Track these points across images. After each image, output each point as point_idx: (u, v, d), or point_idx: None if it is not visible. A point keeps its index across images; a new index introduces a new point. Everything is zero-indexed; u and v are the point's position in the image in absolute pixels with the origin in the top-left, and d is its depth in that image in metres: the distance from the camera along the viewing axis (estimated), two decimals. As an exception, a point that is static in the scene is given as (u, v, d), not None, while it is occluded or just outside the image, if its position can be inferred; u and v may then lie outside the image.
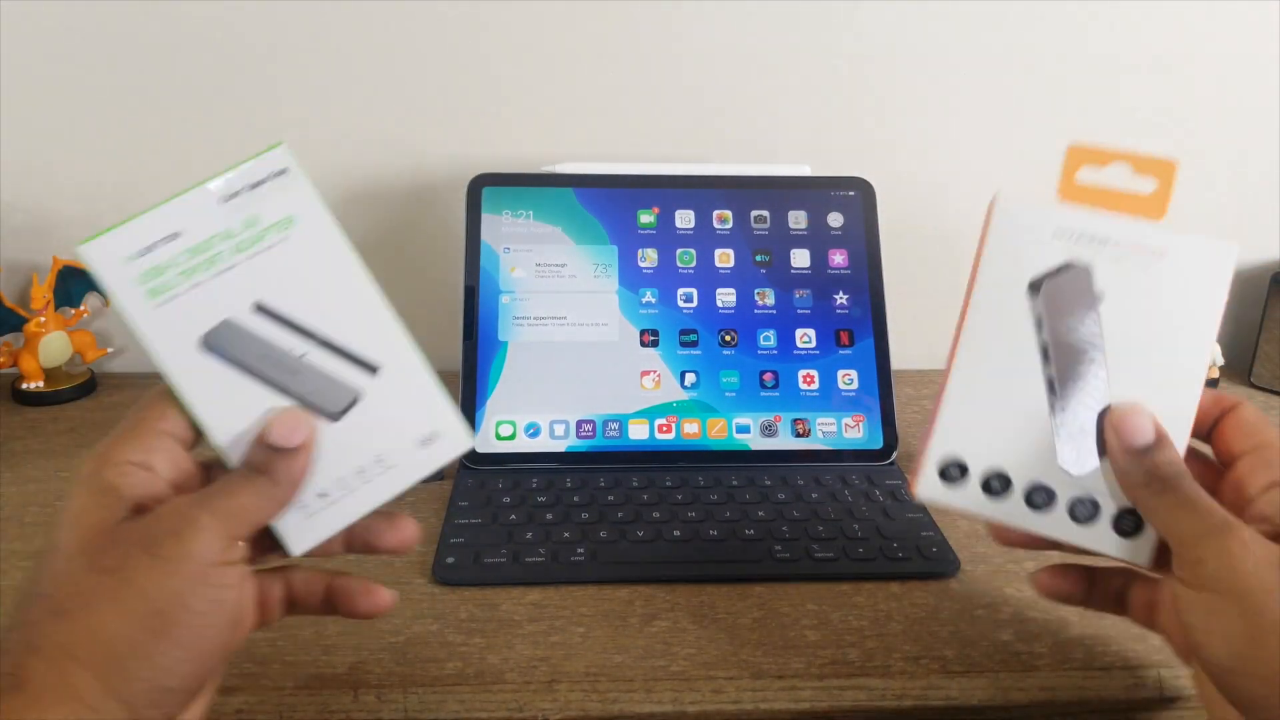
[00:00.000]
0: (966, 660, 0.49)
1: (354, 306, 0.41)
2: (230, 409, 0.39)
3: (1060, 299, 0.43)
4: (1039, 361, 0.43)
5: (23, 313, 0.81)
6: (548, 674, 0.48)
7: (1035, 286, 0.43)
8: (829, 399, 0.69)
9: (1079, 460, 0.43)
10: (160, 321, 0.39)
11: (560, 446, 0.67)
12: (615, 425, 0.68)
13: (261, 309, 0.40)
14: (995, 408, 0.43)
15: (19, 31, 0.79)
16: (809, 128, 0.85)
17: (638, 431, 0.68)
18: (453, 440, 0.41)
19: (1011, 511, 0.43)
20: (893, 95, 0.85)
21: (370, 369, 0.41)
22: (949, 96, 0.85)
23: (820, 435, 0.68)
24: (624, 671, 0.48)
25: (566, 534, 0.58)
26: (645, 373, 0.69)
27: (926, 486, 0.44)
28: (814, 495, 0.63)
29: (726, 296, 0.71)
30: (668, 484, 0.64)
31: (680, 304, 0.71)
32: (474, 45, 0.81)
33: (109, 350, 0.88)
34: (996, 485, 0.43)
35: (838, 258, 0.72)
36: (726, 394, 0.69)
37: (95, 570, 0.34)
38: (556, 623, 0.52)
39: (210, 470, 0.40)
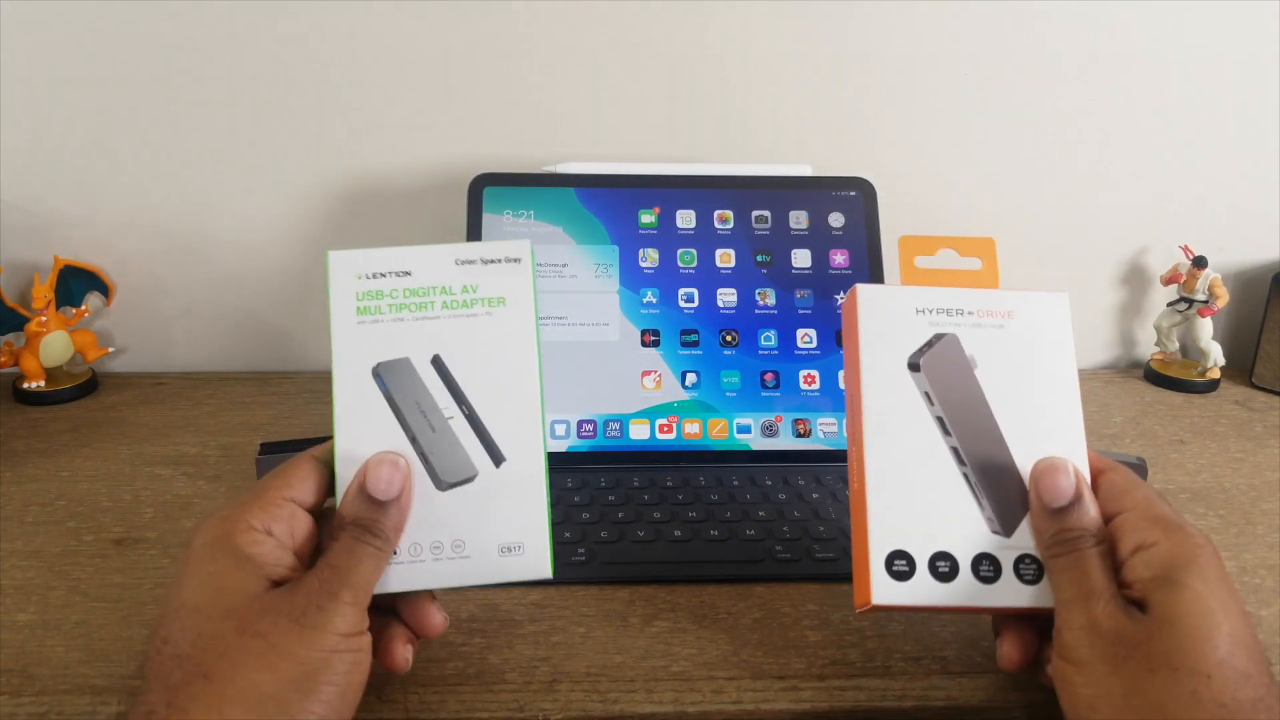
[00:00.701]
0: (967, 661, 0.49)
1: (515, 399, 0.43)
2: (365, 434, 0.42)
3: (940, 370, 0.45)
4: (939, 435, 0.44)
5: (24, 312, 0.81)
6: (549, 674, 0.48)
7: (915, 364, 0.45)
8: (830, 399, 0.69)
9: (1006, 521, 0.44)
10: (354, 336, 0.42)
11: (561, 446, 0.67)
12: (616, 425, 0.68)
13: (437, 363, 0.43)
14: (917, 490, 0.44)
15: (20, 31, 0.79)
16: (810, 128, 0.85)
17: (638, 431, 0.68)
18: (532, 562, 0.43)
19: (966, 593, 0.43)
20: (894, 95, 0.85)
21: (497, 459, 0.43)
22: (950, 96, 0.85)
23: (821, 435, 0.69)
24: (625, 671, 0.48)
25: (567, 534, 0.58)
26: (646, 373, 0.69)
27: (881, 590, 0.43)
28: (815, 495, 0.63)
29: (727, 296, 0.71)
30: (669, 484, 0.64)
31: (681, 304, 0.71)
32: (475, 45, 0.81)
33: (110, 350, 0.88)
34: (944, 568, 0.43)
35: (839, 258, 0.72)
36: (727, 394, 0.69)
37: (246, 634, 0.36)
38: (557, 623, 0.52)
39: (322, 522, 0.42)
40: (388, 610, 0.44)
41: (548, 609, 0.53)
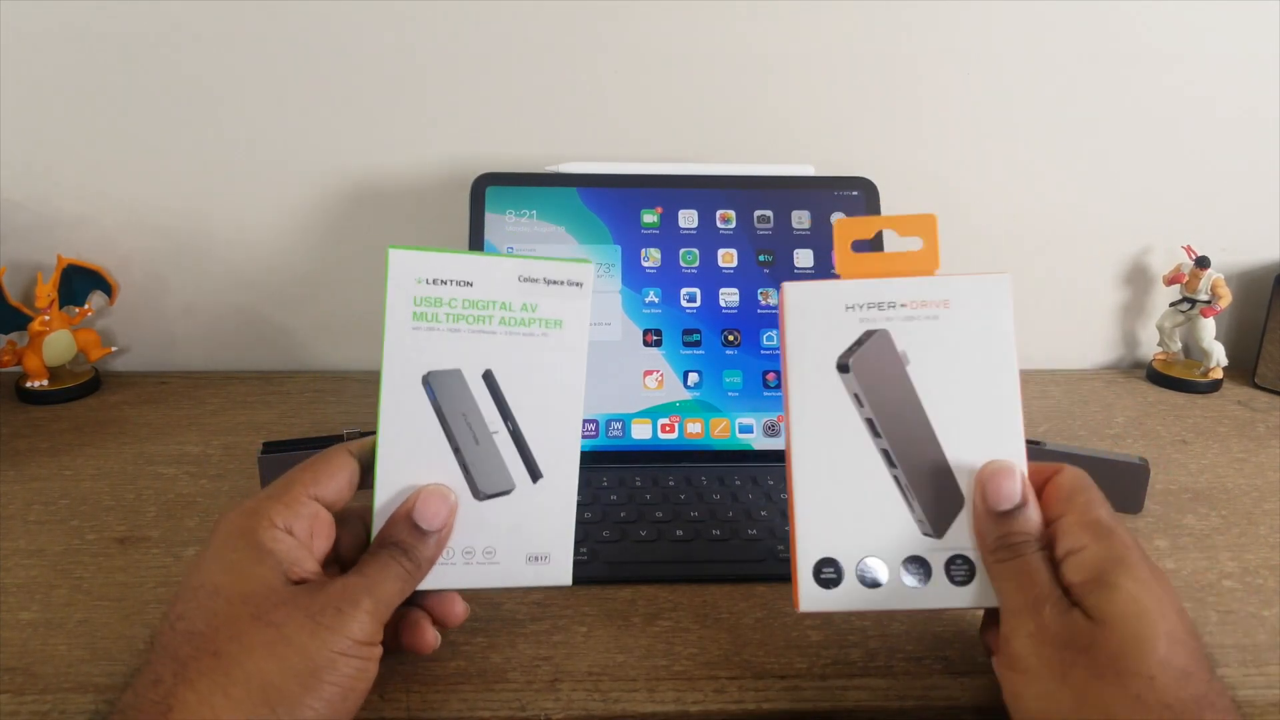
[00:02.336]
0: (969, 660, 0.49)
1: (558, 421, 0.44)
2: (409, 442, 0.43)
3: (870, 370, 0.43)
4: (869, 437, 0.44)
5: (27, 311, 0.81)
6: (550, 673, 0.48)
7: (844, 366, 0.43)
8: (832, 399, 0.69)
9: (938, 522, 0.43)
10: (408, 341, 0.42)
11: (563, 446, 0.67)
12: (618, 425, 0.68)
13: (489, 378, 0.43)
14: (845, 495, 0.43)
15: (22, 31, 0.79)
16: (812, 127, 0.85)
17: (640, 431, 0.68)
18: (555, 571, 0.45)
19: (896, 596, 0.43)
20: (896, 95, 0.85)
21: (535, 475, 0.44)
22: (953, 97, 0.85)
23: (823, 435, 0.68)
24: (626, 671, 0.48)
25: (569, 533, 0.58)
26: (648, 372, 0.69)
27: (809, 598, 0.43)
28: (817, 495, 0.63)
29: (729, 296, 0.71)
30: (670, 484, 0.64)
31: (683, 304, 0.71)
32: (477, 45, 0.81)
33: (113, 349, 0.88)
34: (873, 573, 0.43)
35: (841, 258, 0.72)
36: (729, 394, 0.69)
37: (259, 622, 0.37)
38: (559, 622, 0.52)
39: (342, 530, 0.43)
40: (411, 600, 0.44)
41: (549, 608, 0.53)
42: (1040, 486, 0.43)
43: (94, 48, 0.79)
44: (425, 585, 0.43)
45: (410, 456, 0.43)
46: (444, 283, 0.42)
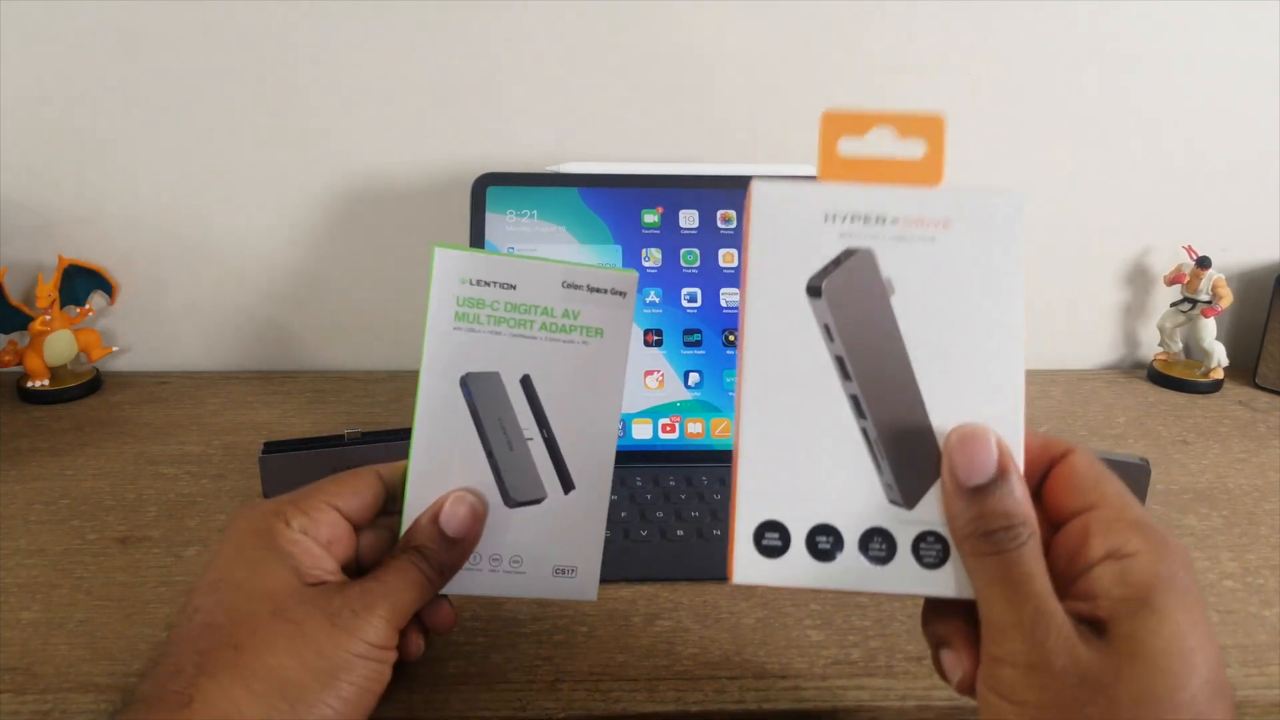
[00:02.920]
0: (970, 660, 0.49)
1: (594, 430, 0.43)
2: (443, 443, 0.42)
3: (847, 298, 0.36)
4: (837, 379, 0.36)
5: (28, 311, 0.81)
6: (551, 673, 0.48)
7: (815, 289, 0.36)
8: (832, 399, 0.69)
9: (909, 490, 0.36)
10: (448, 341, 0.42)
11: (564, 446, 0.67)
12: (619, 425, 0.68)
13: (526, 383, 0.43)
14: (801, 447, 0.36)
15: (23, 31, 0.79)
16: (813, 127, 0.85)
17: (641, 431, 0.68)
18: (581, 586, 0.44)
19: (850, 574, 0.36)
20: (896, 95, 0.85)
21: (567, 486, 0.43)
22: (953, 97, 0.85)
23: (824, 435, 0.68)
24: (627, 671, 0.48)
25: (570, 533, 0.59)
26: (649, 372, 0.69)
27: (745, 566, 0.36)
28: (817, 495, 0.63)
29: (730, 296, 0.71)
30: (671, 483, 0.64)
31: (684, 304, 0.71)
32: (478, 46, 0.81)
33: (114, 349, 0.88)
34: (825, 544, 0.36)
35: (841, 258, 0.72)
36: (730, 394, 0.69)
37: (279, 618, 0.37)
38: (560, 622, 0.52)
39: (362, 538, 0.43)
40: None
41: (550, 608, 0.53)
42: (1046, 468, 0.36)
43: (95, 48, 0.80)
44: (451, 590, 0.42)
45: (443, 458, 0.42)
46: (487, 284, 0.42)
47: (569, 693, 0.47)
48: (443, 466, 0.42)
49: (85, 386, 0.83)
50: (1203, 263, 0.86)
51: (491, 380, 0.42)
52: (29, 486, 0.66)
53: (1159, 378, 0.89)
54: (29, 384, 0.81)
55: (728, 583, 0.37)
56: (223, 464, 0.70)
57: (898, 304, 0.36)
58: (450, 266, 0.42)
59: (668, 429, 0.68)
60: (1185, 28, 0.84)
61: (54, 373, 0.82)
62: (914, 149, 0.37)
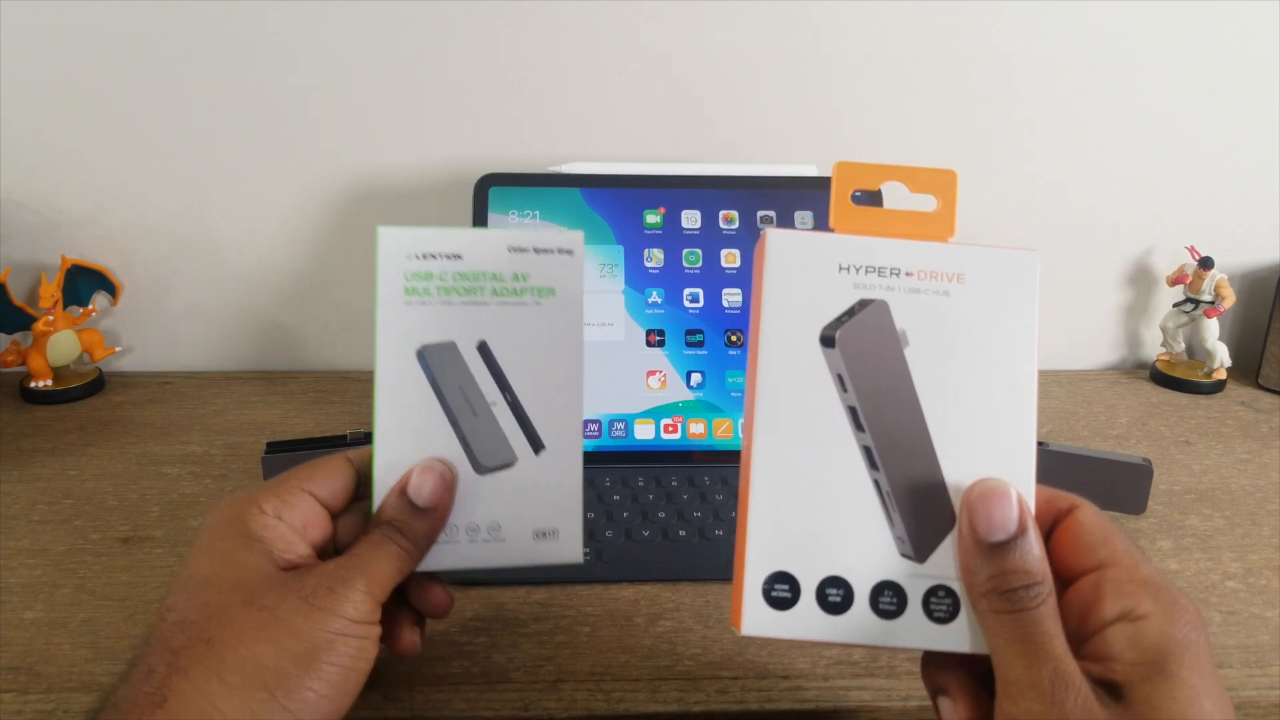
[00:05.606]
0: (972, 661, 0.49)
1: (558, 389, 0.43)
2: (406, 418, 0.42)
3: (861, 348, 0.36)
4: (850, 429, 0.36)
5: (31, 311, 0.81)
6: (553, 673, 0.48)
7: (829, 338, 0.36)
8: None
9: (920, 543, 0.36)
10: (400, 317, 0.42)
11: (566, 446, 0.67)
12: (621, 425, 0.68)
13: (484, 349, 0.43)
14: (813, 498, 0.36)
15: (25, 30, 0.79)
16: (815, 128, 0.85)
17: (643, 431, 0.68)
18: (564, 548, 0.43)
19: (861, 627, 0.36)
20: (898, 95, 0.85)
21: (537, 446, 0.43)
22: (955, 98, 0.85)
23: (826, 436, 0.68)
24: (629, 671, 0.48)
25: (572, 533, 0.59)
26: (651, 373, 0.69)
27: (754, 618, 0.35)
28: (819, 495, 0.63)
29: (733, 297, 0.71)
30: (673, 484, 0.64)
31: (686, 304, 0.71)
32: (480, 46, 0.81)
33: (117, 349, 0.88)
34: (835, 597, 0.36)
35: (844, 258, 0.72)
36: (732, 394, 0.69)
37: (252, 606, 0.36)
38: (562, 622, 0.52)
39: (339, 523, 0.42)
40: (393, 595, 0.42)
41: (552, 608, 0.53)
42: (1051, 522, 0.36)
43: (97, 48, 0.80)
44: (430, 565, 0.42)
45: (408, 433, 0.42)
46: (433, 257, 0.42)
47: (571, 693, 0.47)
48: (408, 442, 0.42)
49: (88, 387, 0.83)
50: (1205, 263, 0.86)
51: (448, 350, 0.42)
52: (32, 486, 0.66)
53: (1161, 378, 0.89)
54: (32, 384, 0.81)
55: (737, 633, 0.36)
56: (225, 464, 0.70)
57: (911, 355, 0.37)
58: (395, 244, 0.42)
59: (670, 429, 0.68)
60: (1186, 28, 0.84)
61: (57, 373, 0.83)
62: (925, 203, 0.38)
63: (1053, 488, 0.37)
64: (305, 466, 0.42)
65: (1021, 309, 0.37)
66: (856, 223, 0.38)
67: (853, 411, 0.36)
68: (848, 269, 0.37)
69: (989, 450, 0.36)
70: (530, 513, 0.43)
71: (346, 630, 0.37)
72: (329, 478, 0.42)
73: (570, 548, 0.43)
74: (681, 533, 0.59)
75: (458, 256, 0.42)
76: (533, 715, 0.46)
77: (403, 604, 0.43)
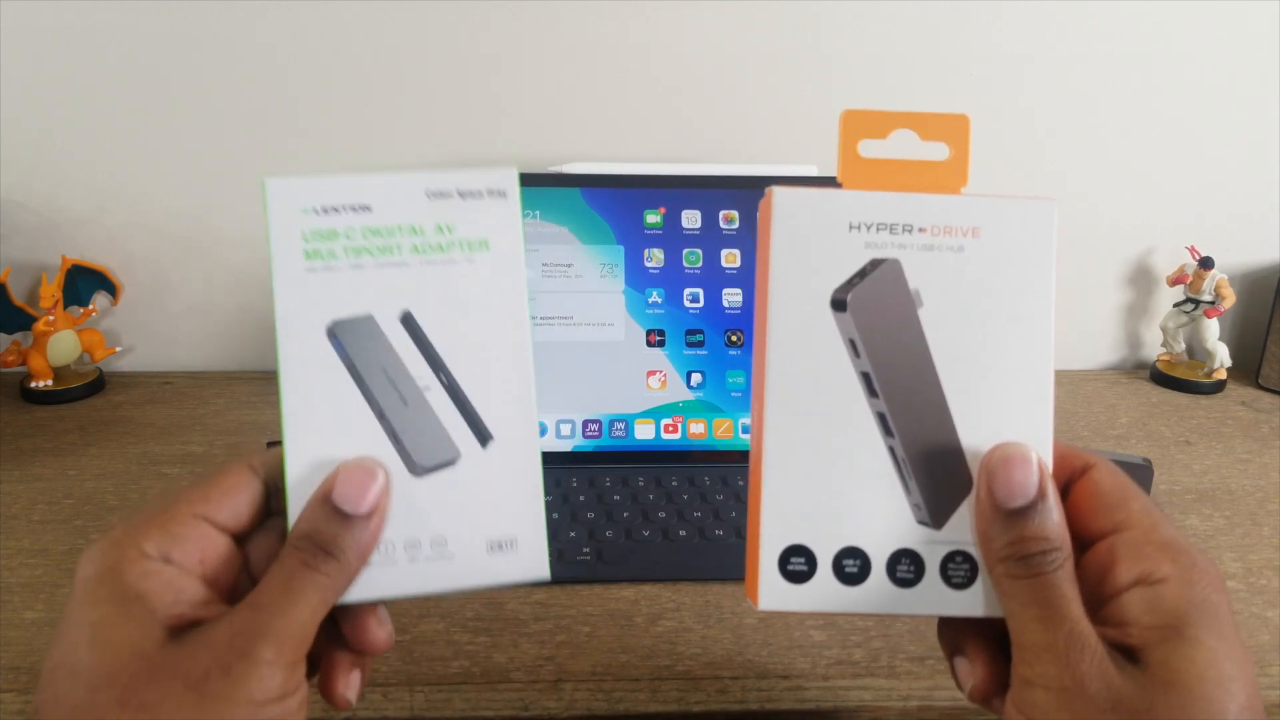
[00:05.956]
0: (972, 661, 0.49)
1: (502, 365, 0.35)
2: (320, 413, 0.34)
3: (873, 311, 0.34)
4: (863, 395, 0.35)
5: (31, 311, 0.81)
6: (553, 673, 0.48)
7: (840, 302, 0.34)
8: (835, 399, 0.69)
9: (937, 509, 0.35)
10: (301, 286, 0.34)
11: (566, 446, 0.67)
12: (621, 425, 0.68)
13: (408, 321, 0.35)
14: (826, 467, 0.34)
15: (25, 30, 0.79)
16: (815, 128, 0.85)
17: (644, 431, 0.68)
18: (526, 561, 0.35)
19: (879, 597, 0.35)
20: (898, 95, 0.85)
21: (484, 437, 0.35)
22: (955, 97, 0.85)
23: (826, 435, 0.68)
24: (629, 671, 0.48)
25: (572, 533, 0.59)
26: (651, 373, 0.69)
27: (771, 593, 0.34)
28: (820, 495, 0.63)
29: (733, 297, 0.71)
30: (674, 484, 0.64)
31: (687, 304, 0.71)
32: (480, 46, 0.81)
33: (117, 349, 0.88)
34: (852, 567, 0.34)
35: (844, 258, 0.72)
36: (732, 394, 0.69)
37: (128, 707, 0.28)
38: (562, 622, 0.52)
39: (250, 547, 0.34)
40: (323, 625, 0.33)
41: (553, 608, 0.53)
42: (1066, 481, 0.35)
43: (97, 48, 0.80)
44: (361, 595, 0.33)
45: (324, 431, 0.34)
46: (337, 210, 0.34)
47: (571, 692, 0.47)
48: (325, 441, 0.34)
49: (88, 387, 0.83)
50: (1206, 263, 0.86)
51: (365, 325, 0.35)
52: (32, 486, 0.66)
53: (1162, 378, 0.89)
54: (32, 384, 0.81)
55: (754, 608, 0.35)
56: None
57: (925, 316, 0.35)
58: (287, 197, 0.34)
59: (670, 429, 0.68)
60: (1186, 28, 0.84)
61: (57, 373, 0.83)
62: (938, 151, 0.36)
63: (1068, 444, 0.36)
64: (197, 482, 0.33)
65: (1039, 264, 0.36)
66: (866, 176, 0.36)
67: (866, 377, 0.35)
68: (858, 227, 0.35)
69: (1006, 412, 0.35)
70: (481, 519, 0.35)
71: (257, 716, 0.29)
72: (227, 494, 0.33)
73: (532, 560, 0.35)
74: (682, 533, 0.59)
75: (366, 208, 0.35)
76: (533, 715, 0.46)
77: (334, 636, 0.34)
